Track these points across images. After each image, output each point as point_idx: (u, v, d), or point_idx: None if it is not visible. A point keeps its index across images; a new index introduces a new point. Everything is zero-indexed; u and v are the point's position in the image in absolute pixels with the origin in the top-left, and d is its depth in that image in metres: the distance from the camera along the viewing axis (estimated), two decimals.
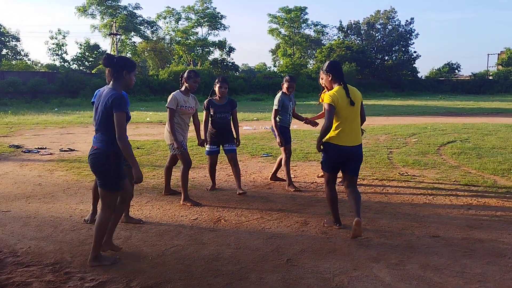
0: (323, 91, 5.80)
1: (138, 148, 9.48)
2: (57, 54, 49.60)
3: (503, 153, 8.78)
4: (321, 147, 4.33)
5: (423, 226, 4.49)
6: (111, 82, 3.49)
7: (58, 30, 49.35)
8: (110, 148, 3.40)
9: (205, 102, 5.89)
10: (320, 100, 6.22)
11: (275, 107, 6.02)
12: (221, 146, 5.92)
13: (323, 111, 5.34)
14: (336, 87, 4.28)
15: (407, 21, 57.25)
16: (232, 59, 61.63)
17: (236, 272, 3.44)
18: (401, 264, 3.57)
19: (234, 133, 5.97)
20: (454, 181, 6.49)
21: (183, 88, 5.43)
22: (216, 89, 5.79)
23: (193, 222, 4.65)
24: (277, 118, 6.02)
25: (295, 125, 12.64)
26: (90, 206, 4.76)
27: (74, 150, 9.41)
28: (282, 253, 3.81)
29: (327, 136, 4.26)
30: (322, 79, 4.56)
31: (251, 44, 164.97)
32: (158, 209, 5.12)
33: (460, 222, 4.64)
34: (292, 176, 6.86)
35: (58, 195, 5.71)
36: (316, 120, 6.18)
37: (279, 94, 6.10)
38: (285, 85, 6.10)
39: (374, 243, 4.03)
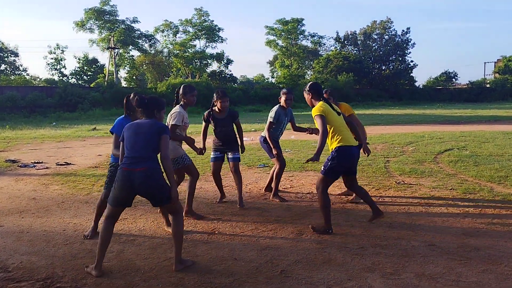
0: None
1: None
2: (55, 69, 49.87)
3: (500, 160, 8.76)
4: (333, 154, 4.59)
5: (418, 235, 4.46)
6: (144, 118, 3.77)
7: (57, 45, 49.54)
8: (158, 166, 3.65)
9: (205, 113, 5.89)
10: None
11: (270, 119, 5.98)
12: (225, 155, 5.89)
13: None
14: (319, 103, 4.70)
15: (403, 31, 57.63)
16: (230, 71, 62.10)
17: (229, 284, 3.40)
18: (396, 274, 3.53)
19: (238, 140, 5.94)
20: (451, 189, 6.46)
21: (182, 103, 5.39)
22: (218, 104, 5.75)
23: (187, 234, 4.61)
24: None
25: (292, 136, 12.64)
26: (92, 223, 4.68)
27: (70, 163, 9.39)
28: (276, 264, 3.77)
29: (336, 144, 4.57)
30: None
31: (249, 56, 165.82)
32: (152, 222, 5.08)
33: (456, 230, 4.61)
34: (288, 186, 6.88)
35: (52, 209, 5.67)
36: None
37: (276, 107, 6.05)
38: (282, 98, 6.04)
39: (369, 253, 3.99)
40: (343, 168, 4.64)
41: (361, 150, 5.15)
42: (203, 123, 5.90)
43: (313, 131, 5.85)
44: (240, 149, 5.92)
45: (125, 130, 3.73)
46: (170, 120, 5.15)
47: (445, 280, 3.40)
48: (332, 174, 4.60)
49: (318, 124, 4.54)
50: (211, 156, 5.93)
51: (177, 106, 5.33)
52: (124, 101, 4.41)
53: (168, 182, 3.63)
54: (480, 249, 4.05)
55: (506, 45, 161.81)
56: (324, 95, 5.48)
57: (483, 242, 4.22)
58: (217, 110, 5.81)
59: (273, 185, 6.13)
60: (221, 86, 44.83)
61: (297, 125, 6.27)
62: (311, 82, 4.92)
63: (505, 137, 12.98)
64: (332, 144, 4.65)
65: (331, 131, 4.59)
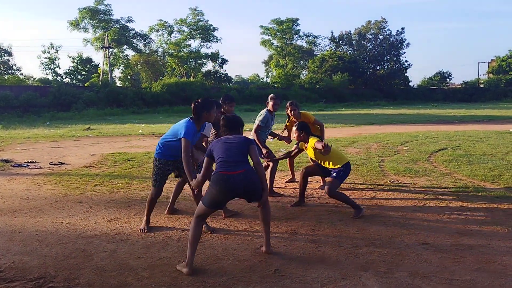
0: (288, 121, 6.93)
1: (129, 160, 9.42)
2: (49, 68, 49.60)
3: (494, 159, 8.80)
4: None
5: (412, 234, 4.47)
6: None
7: (51, 44, 49.25)
8: (252, 167, 3.94)
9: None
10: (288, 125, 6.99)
11: (259, 123, 6.27)
12: None
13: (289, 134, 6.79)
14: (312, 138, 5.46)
15: (398, 31, 57.89)
16: (225, 70, 62.10)
17: (223, 283, 3.39)
18: (390, 272, 3.53)
19: None
20: (445, 188, 6.48)
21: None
22: (227, 108, 5.84)
23: (181, 233, 4.60)
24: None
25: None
26: (144, 217, 4.80)
27: (64, 163, 9.33)
28: (270, 263, 3.77)
29: (342, 163, 5.34)
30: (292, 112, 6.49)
31: (244, 56, 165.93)
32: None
33: (449, 229, 4.62)
34: (282, 185, 6.88)
35: (45, 209, 5.63)
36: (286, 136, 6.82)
37: (265, 111, 6.37)
38: (270, 103, 6.40)
39: (363, 252, 4.00)
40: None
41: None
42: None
43: (283, 138, 6.66)
44: None
45: (213, 146, 3.92)
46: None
47: (439, 278, 3.41)
48: (342, 181, 5.45)
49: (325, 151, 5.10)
50: None
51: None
52: (193, 106, 4.43)
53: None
54: (473, 247, 4.07)
55: (500, 45, 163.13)
56: (290, 108, 6.66)
57: (477, 241, 4.23)
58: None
59: (268, 183, 6.16)
60: (216, 85, 44.82)
61: (272, 130, 6.73)
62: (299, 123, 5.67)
63: (499, 136, 13.04)
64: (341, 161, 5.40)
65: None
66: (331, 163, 5.36)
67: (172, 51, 50.38)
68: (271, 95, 6.46)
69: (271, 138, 6.82)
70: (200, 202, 3.85)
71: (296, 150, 6.10)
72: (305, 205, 5.66)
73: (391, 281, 3.38)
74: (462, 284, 3.31)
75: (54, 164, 9.19)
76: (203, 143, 5.24)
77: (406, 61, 58.82)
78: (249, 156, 3.90)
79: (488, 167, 7.95)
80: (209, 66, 52.59)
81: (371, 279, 3.41)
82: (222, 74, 51.03)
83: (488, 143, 11.44)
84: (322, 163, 5.48)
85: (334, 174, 5.26)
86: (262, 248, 4.03)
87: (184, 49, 50.80)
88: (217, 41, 52.28)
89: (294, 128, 5.54)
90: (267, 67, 65.23)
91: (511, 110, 29.96)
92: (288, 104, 6.74)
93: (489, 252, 3.93)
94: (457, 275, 3.47)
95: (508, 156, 9.16)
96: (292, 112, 6.66)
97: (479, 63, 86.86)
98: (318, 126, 6.82)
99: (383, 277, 3.44)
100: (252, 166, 3.90)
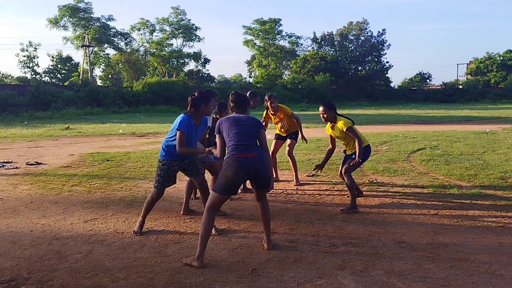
0: (266, 113, 7.09)
1: (108, 160, 9.30)
2: (28, 67, 48.81)
3: (470, 159, 8.96)
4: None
5: (389, 232, 4.52)
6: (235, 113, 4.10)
7: (29, 42, 48.54)
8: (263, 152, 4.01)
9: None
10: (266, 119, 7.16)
11: None
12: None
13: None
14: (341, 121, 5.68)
15: (379, 32, 58.45)
16: (208, 70, 61.77)
17: (200, 284, 3.37)
18: (366, 271, 3.56)
19: None
20: (422, 187, 6.57)
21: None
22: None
23: (159, 234, 4.56)
24: None
25: (269, 135, 12.62)
26: (140, 218, 4.66)
27: (41, 163, 9.17)
28: (247, 263, 3.76)
29: (365, 144, 5.68)
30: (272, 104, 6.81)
31: (227, 56, 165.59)
32: (124, 221, 5.00)
33: (425, 227, 4.68)
34: None
35: (20, 210, 5.52)
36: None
37: None
38: (251, 101, 6.24)
39: (340, 251, 4.02)
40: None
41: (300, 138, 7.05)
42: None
43: None
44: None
45: (222, 123, 3.96)
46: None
47: (413, 276, 3.45)
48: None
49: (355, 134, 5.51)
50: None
51: None
52: (189, 99, 4.33)
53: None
54: (448, 245, 4.13)
55: (478, 47, 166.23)
56: (269, 101, 6.88)
57: (451, 239, 4.30)
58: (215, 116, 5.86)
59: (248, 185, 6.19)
60: (198, 85, 44.61)
61: None
62: (329, 101, 5.82)
63: (476, 136, 13.29)
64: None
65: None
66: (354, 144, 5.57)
67: (154, 50, 49.97)
68: (250, 92, 6.39)
69: None
70: (212, 191, 3.89)
71: (276, 142, 6.67)
72: (284, 204, 5.67)
73: (367, 279, 3.41)
74: (436, 281, 3.36)
75: (31, 164, 9.02)
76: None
77: (387, 62, 59.45)
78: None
79: (465, 166, 8.09)
80: (192, 65, 52.28)
81: (347, 278, 3.43)
82: (205, 73, 50.80)
83: (465, 143, 11.64)
84: (346, 145, 5.76)
85: (353, 156, 5.49)
86: (264, 245, 4.10)
87: (166, 48, 50.42)
88: (199, 41, 52.08)
89: (320, 109, 5.62)
90: (250, 67, 65.16)
91: (488, 111, 30.56)
92: (267, 97, 6.97)
93: (463, 250, 3.99)
94: (431, 273, 3.51)
95: (484, 156, 9.34)
96: (272, 105, 6.87)
97: (458, 64, 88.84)
98: (295, 120, 7.05)
99: (359, 276, 3.47)
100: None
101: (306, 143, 7.33)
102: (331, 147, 6.04)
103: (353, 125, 5.62)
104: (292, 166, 7.03)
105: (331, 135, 5.90)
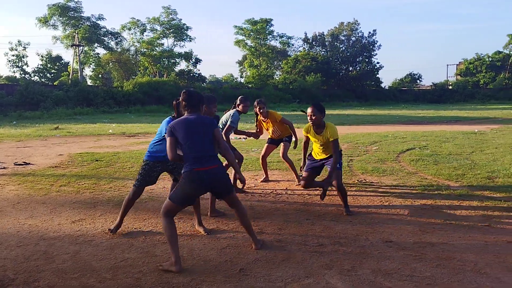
0: (257, 119, 7.07)
1: (97, 160, 9.25)
2: (17, 66, 48.40)
3: (459, 159, 9.04)
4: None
5: (377, 232, 4.54)
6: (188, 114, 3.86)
7: (19, 41, 48.14)
8: (220, 161, 3.89)
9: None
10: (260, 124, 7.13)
11: (232, 124, 6.13)
12: None
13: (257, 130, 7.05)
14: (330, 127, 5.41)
15: (370, 32, 58.87)
16: (199, 70, 61.66)
17: (187, 283, 3.37)
18: (353, 270, 3.58)
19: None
20: (411, 187, 6.62)
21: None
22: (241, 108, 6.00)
23: (147, 234, 4.54)
24: None
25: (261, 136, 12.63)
26: (118, 218, 4.64)
27: (29, 163, 9.09)
28: (235, 263, 3.76)
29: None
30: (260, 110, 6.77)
31: (219, 56, 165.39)
32: (112, 222, 4.96)
33: (413, 227, 4.72)
34: (252, 185, 6.89)
35: (7, 210, 5.47)
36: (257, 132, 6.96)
37: (234, 112, 6.25)
38: (241, 105, 6.31)
39: (328, 250, 4.04)
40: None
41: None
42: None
43: (251, 134, 6.75)
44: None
45: (175, 128, 3.73)
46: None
47: (400, 275, 3.47)
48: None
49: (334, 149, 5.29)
50: None
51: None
52: (174, 103, 4.30)
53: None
54: (435, 244, 4.16)
55: (468, 48, 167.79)
56: (258, 107, 6.83)
57: (438, 238, 4.34)
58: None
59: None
60: (189, 85, 44.51)
61: (238, 129, 6.73)
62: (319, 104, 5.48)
63: (464, 136, 13.42)
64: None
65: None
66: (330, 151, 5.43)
67: (145, 50, 49.79)
68: (241, 97, 6.40)
69: (244, 138, 6.90)
70: (168, 199, 3.79)
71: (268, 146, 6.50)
72: (273, 204, 5.68)
73: (354, 278, 3.43)
74: (422, 280, 3.38)
75: (19, 164, 8.94)
76: None
77: (378, 63, 59.88)
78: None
79: (453, 166, 8.16)
80: (183, 65, 52.25)
81: (334, 277, 3.45)
82: (196, 73, 50.71)
83: (454, 143, 11.75)
84: (323, 150, 5.50)
85: (338, 166, 5.30)
86: (252, 246, 4.06)
87: (157, 48, 50.29)
88: (190, 40, 52.04)
89: (309, 110, 5.31)
90: (241, 67, 65.23)
91: (477, 112, 30.88)
92: (256, 102, 6.91)
93: (449, 249, 4.03)
94: (418, 271, 3.54)
95: (472, 156, 9.44)
96: (260, 110, 6.83)
97: (447, 65, 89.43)
98: (287, 126, 6.95)
99: (346, 275, 3.49)
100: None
101: (294, 148, 7.26)
102: (305, 140, 5.74)
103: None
104: (290, 168, 7.08)
105: (307, 137, 5.64)
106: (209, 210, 5.24)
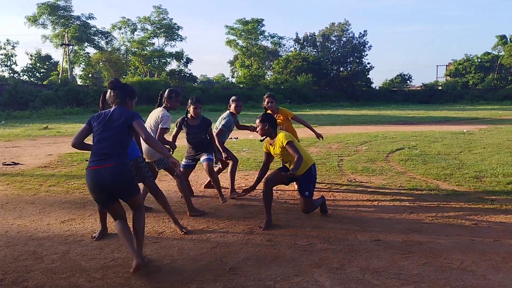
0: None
1: (87, 160, 9.16)
2: (6, 65, 47.86)
3: (447, 159, 9.14)
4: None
5: (366, 231, 4.59)
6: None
7: (7, 40, 47.57)
8: (126, 160, 3.60)
9: (179, 119, 5.90)
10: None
11: (222, 127, 6.17)
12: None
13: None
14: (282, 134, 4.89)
15: (360, 33, 59.12)
16: (190, 70, 61.47)
17: (177, 283, 3.38)
18: (342, 268, 3.62)
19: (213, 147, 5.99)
20: (399, 186, 6.68)
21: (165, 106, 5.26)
22: (191, 110, 5.77)
23: None
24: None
25: (251, 135, 12.67)
26: (99, 224, 4.53)
27: (18, 163, 9.02)
28: (225, 262, 3.78)
29: (309, 165, 4.85)
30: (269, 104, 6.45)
31: (210, 56, 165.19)
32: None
33: (402, 225, 4.77)
34: (243, 185, 6.90)
35: None
36: None
37: (227, 114, 6.28)
38: (233, 106, 6.32)
39: (317, 249, 4.07)
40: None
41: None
42: (175, 128, 5.89)
43: (255, 128, 6.05)
44: (213, 153, 5.97)
45: (94, 120, 3.59)
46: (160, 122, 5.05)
47: (388, 273, 3.52)
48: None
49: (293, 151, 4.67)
50: (182, 163, 5.94)
51: (162, 108, 5.22)
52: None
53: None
54: (422, 243, 4.21)
55: (457, 49, 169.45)
56: (267, 100, 6.53)
57: (426, 237, 4.39)
58: (189, 116, 5.79)
59: (229, 183, 6.18)
60: (180, 85, 44.40)
61: (240, 124, 6.68)
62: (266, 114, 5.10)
63: (453, 137, 13.56)
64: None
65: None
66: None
67: (135, 49, 49.52)
68: (233, 97, 6.40)
69: (235, 138, 6.85)
70: None
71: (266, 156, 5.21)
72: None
73: (342, 276, 3.46)
74: (409, 278, 3.43)
75: (7, 165, 8.87)
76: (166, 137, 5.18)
77: (369, 63, 60.25)
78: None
79: (442, 166, 8.25)
80: (174, 65, 51.99)
81: (323, 275, 3.48)
82: (187, 73, 50.56)
83: (443, 143, 11.87)
84: (288, 165, 4.92)
85: (307, 194, 4.77)
86: (132, 263, 3.43)
87: (147, 48, 50.02)
88: (181, 40, 51.80)
89: (257, 121, 4.92)
90: (233, 67, 65.16)
91: (466, 112, 31.19)
92: (265, 96, 6.64)
93: (437, 248, 4.08)
94: (405, 270, 3.59)
95: (461, 156, 9.54)
96: (269, 104, 6.50)
97: (437, 66, 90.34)
98: (301, 122, 6.86)
99: (335, 273, 3.52)
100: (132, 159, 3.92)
101: (322, 139, 6.91)
102: (265, 161, 5.18)
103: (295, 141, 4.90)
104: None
105: (268, 153, 5.08)
106: (188, 209, 5.23)
